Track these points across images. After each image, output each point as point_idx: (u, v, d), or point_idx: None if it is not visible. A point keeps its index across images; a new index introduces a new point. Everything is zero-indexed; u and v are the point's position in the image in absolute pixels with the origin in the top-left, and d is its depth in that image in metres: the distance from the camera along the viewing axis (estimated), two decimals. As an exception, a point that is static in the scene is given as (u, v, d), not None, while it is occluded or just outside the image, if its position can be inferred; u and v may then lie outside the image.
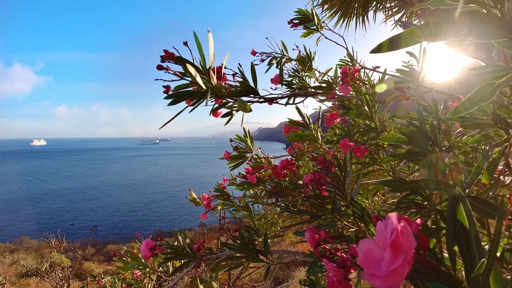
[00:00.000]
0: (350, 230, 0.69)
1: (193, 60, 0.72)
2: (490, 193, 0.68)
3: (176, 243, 1.24)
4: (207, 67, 0.74)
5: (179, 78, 0.72)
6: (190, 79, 0.71)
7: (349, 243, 0.47)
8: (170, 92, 0.73)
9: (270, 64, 1.76)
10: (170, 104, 0.73)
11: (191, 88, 0.74)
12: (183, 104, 0.76)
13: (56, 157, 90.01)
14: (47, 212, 27.56)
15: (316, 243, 0.47)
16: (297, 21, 1.81)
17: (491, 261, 0.28)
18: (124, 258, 1.87)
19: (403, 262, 0.29)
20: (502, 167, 0.65)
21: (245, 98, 0.87)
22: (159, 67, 0.69)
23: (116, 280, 2.16)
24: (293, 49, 1.77)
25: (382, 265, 0.29)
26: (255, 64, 1.67)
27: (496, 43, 0.41)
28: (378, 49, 0.51)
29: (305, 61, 1.75)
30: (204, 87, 0.72)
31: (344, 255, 0.44)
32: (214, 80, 0.75)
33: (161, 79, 0.72)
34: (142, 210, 27.97)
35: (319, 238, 0.48)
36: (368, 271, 0.30)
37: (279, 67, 1.73)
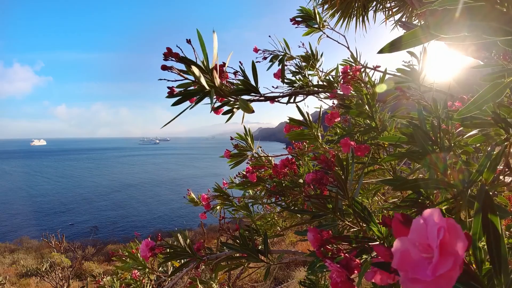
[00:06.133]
0: (351, 230, 0.68)
1: (196, 58, 0.71)
2: (491, 193, 0.67)
3: (176, 243, 1.24)
4: (211, 67, 0.73)
5: (182, 78, 0.72)
6: (192, 78, 0.71)
7: (351, 243, 0.46)
8: (174, 93, 0.73)
9: (272, 61, 1.75)
10: (174, 104, 0.73)
11: (193, 87, 0.74)
12: (184, 103, 0.76)
13: (56, 156, 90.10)
14: (46, 212, 27.53)
15: (319, 244, 0.46)
16: (299, 19, 1.81)
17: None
18: (123, 258, 1.87)
19: (454, 265, 0.25)
20: (502, 167, 0.65)
21: (246, 97, 0.87)
22: (164, 67, 0.69)
23: (115, 280, 2.16)
24: (299, 46, 1.76)
25: (427, 269, 0.25)
26: (257, 62, 1.67)
27: (500, 41, 0.41)
28: (380, 51, 0.51)
29: (310, 58, 1.74)
30: (207, 87, 0.72)
31: (348, 256, 0.43)
32: (217, 81, 0.75)
33: (164, 79, 0.72)
34: (142, 210, 27.95)
35: (323, 238, 0.47)
36: (407, 276, 0.27)
37: (280, 65, 1.72)
